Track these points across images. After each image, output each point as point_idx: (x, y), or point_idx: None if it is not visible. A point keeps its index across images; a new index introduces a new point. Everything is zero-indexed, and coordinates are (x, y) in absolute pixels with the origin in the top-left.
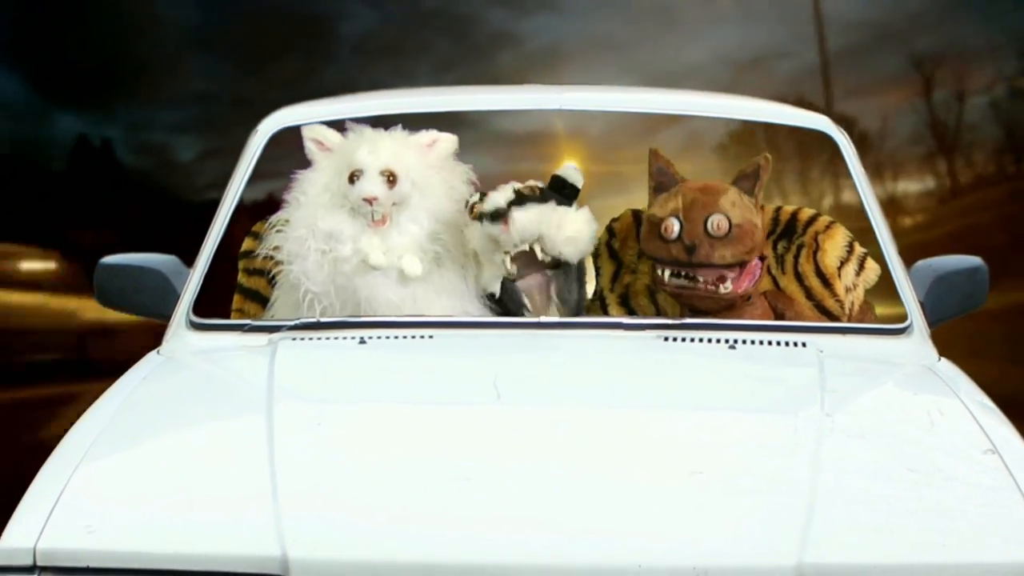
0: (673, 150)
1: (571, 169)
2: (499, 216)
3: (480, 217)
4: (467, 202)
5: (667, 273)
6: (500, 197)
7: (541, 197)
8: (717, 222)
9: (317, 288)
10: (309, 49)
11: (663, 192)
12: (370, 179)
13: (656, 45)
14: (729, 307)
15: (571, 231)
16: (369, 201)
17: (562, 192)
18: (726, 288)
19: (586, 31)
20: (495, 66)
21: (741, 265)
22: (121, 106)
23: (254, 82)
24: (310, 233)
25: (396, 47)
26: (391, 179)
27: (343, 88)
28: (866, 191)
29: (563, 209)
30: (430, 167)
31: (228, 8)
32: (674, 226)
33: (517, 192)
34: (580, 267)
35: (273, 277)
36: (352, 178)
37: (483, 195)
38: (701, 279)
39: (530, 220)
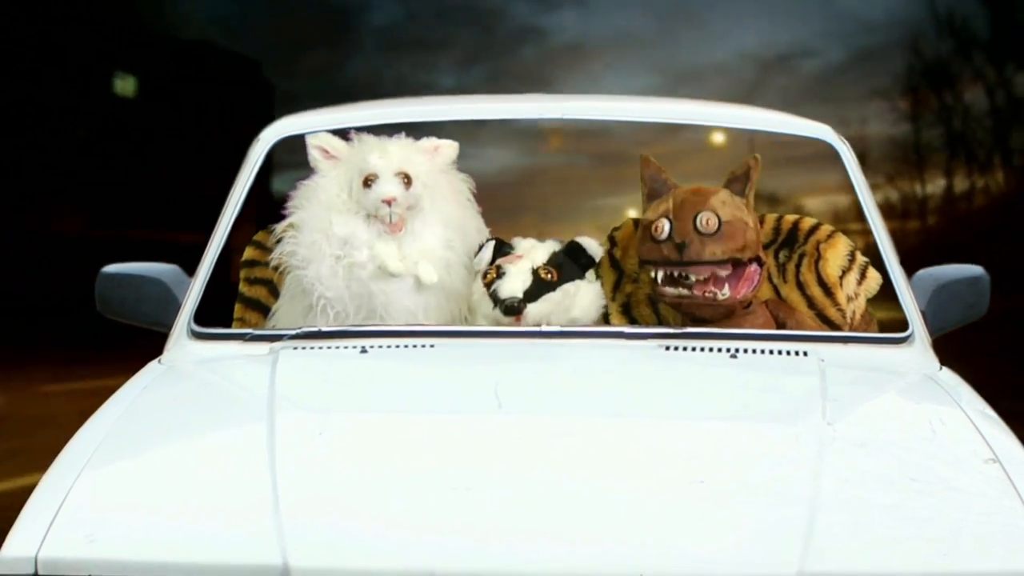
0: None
1: (592, 241)
2: (513, 311)
3: (494, 299)
4: (480, 247)
5: (660, 275)
6: (517, 285)
7: (559, 280)
8: (706, 219)
9: (331, 293)
10: (335, 41)
11: (656, 199)
12: (387, 181)
13: (681, 41)
14: (729, 314)
15: (577, 311)
16: (388, 202)
17: (577, 262)
18: (724, 294)
19: (611, 27)
20: (519, 60)
21: (734, 264)
22: None
23: (281, 72)
24: (324, 238)
25: (421, 40)
26: (406, 180)
27: (368, 79)
28: (867, 200)
29: (574, 288)
30: (439, 171)
31: None
32: (664, 226)
33: (536, 276)
34: None
35: (275, 285)
36: (367, 182)
37: (502, 250)
38: (693, 277)
39: (542, 313)
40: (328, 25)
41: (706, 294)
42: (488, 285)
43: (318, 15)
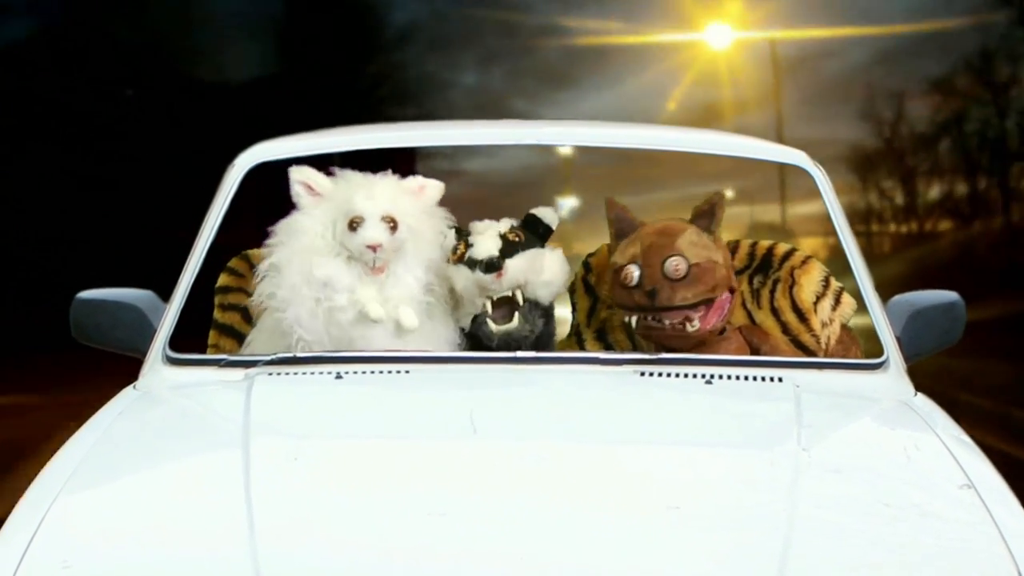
0: None
1: (547, 210)
2: (493, 267)
3: (471, 264)
4: (452, 246)
5: (634, 320)
6: (490, 245)
7: (525, 243)
8: (675, 265)
9: (310, 336)
10: (358, 38)
11: (623, 238)
12: (373, 226)
13: (701, 44)
14: (700, 344)
15: (548, 275)
16: (373, 248)
17: (536, 232)
18: (693, 327)
19: (633, 27)
20: (541, 59)
21: (707, 303)
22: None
23: (303, 69)
24: (304, 281)
25: (444, 38)
26: (392, 225)
27: (390, 76)
28: (842, 225)
29: (542, 252)
30: (423, 213)
31: None
32: (634, 273)
33: (504, 239)
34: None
35: (249, 312)
36: (352, 224)
37: (463, 235)
38: (667, 322)
39: (520, 269)
40: (351, 22)
41: (676, 326)
42: (460, 259)
43: (340, 11)
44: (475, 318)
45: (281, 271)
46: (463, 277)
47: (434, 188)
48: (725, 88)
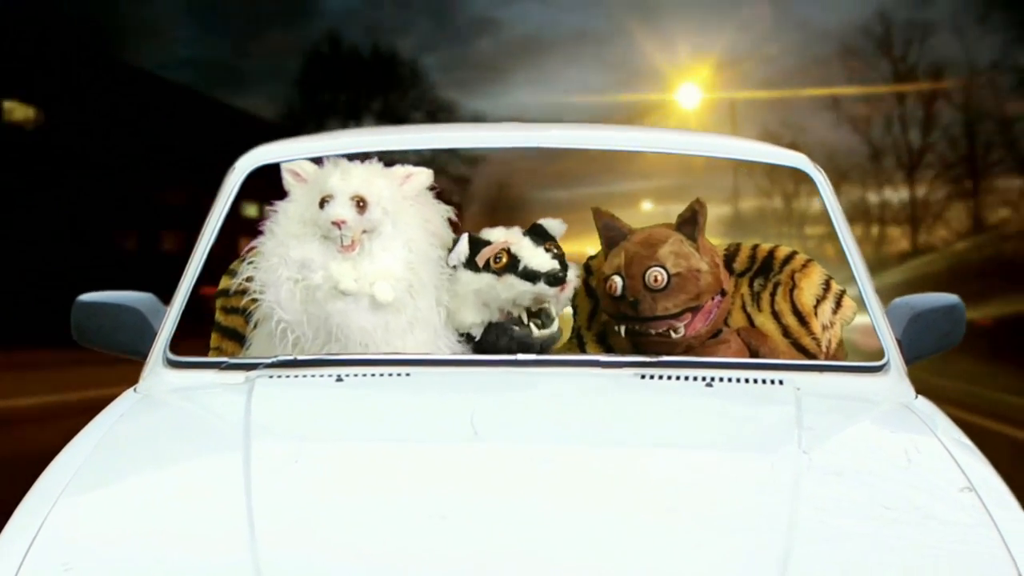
0: None
1: (554, 222)
2: (559, 280)
3: (530, 276)
4: (455, 241)
5: (622, 329)
6: (547, 258)
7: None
8: (655, 276)
9: (289, 317)
10: (292, 24)
11: (614, 246)
12: (340, 203)
13: (636, 39)
14: (689, 348)
15: (571, 290)
16: (337, 224)
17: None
18: (678, 334)
19: (568, 22)
20: (475, 50)
21: (692, 311)
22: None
23: (238, 53)
24: (282, 262)
25: (378, 25)
26: (361, 204)
27: (321, 61)
28: (843, 228)
29: (575, 268)
30: (405, 198)
31: None
32: (617, 284)
33: (551, 253)
34: None
35: (248, 313)
36: (323, 203)
37: (479, 242)
38: (653, 331)
39: (572, 283)
40: (286, 7)
41: (661, 334)
42: (504, 269)
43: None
44: (490, 326)
45: (263, 255)
46: (509, 287)
47: (422, 175)
48: (662, 85)
